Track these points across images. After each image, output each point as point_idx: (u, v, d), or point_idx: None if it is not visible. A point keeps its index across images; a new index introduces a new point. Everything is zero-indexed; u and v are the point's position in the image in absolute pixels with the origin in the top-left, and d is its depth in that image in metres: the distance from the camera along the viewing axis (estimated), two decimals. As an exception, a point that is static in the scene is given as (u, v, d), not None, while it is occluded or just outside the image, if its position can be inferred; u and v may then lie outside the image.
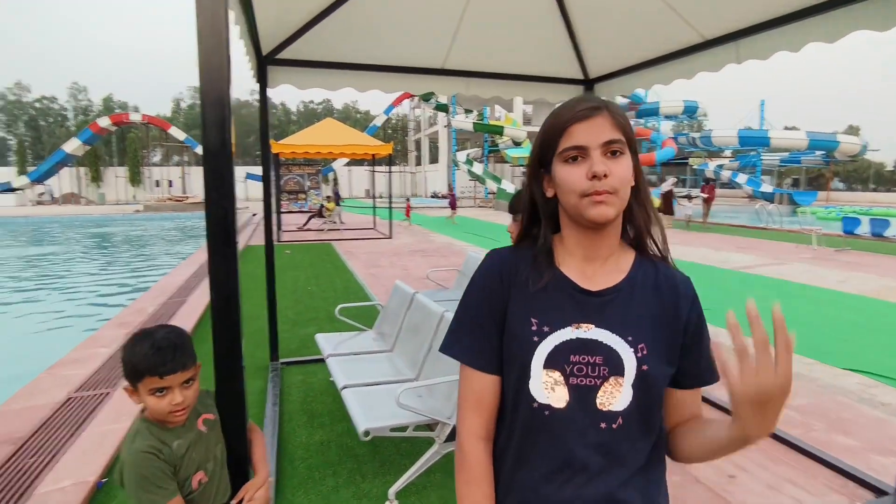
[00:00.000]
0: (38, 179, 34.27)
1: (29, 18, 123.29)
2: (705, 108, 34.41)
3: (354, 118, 75.44)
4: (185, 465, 1.21)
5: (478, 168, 29.26)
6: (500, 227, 18.37)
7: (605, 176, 0.82)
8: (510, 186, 27.83)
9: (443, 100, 32.58)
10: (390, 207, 15.15)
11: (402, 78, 3.92)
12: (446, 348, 0.95)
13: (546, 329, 0.87)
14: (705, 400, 3.84)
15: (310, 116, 71.19)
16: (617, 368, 0.86)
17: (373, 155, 14.45)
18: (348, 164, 34.91)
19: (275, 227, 13.54)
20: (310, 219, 16.20)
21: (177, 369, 1.18)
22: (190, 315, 5.66)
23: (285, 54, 3.55)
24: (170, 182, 43.93)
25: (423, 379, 2.87)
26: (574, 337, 0.87)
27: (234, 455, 1.34)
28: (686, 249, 11.49)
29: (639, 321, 0.88)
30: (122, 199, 40.95)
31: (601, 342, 0.86)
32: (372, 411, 2.50)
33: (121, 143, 46.14)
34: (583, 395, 0.85)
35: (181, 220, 24.88)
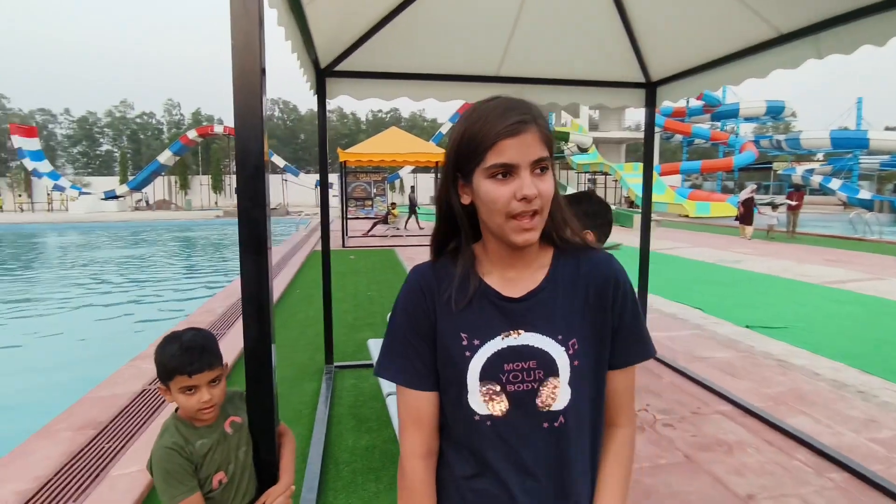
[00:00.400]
0: (137, 187, 37.47)
1: (133, 43, 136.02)
2: (793, 108, 31.88)
3: (421, 126, 76.75)
4: (206, 463, 1.26)
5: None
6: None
7: (535, 197, 0.81)
8: (576, 193, 27.12)
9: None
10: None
11: (457, 86, 3.94)
12: (380, 371, 0.95)
13: (476, 342, 0.88)
14: (724, 398, 3.53)
15: (378, 125, 73.07)
16: (551, 369, 0.87)
17: (436, 162, 14.63)
18: (414, 171, 35.52)
19: (341, 233, 14.11)
20: (374, 225, 16.61)
21: (203, 368, 1.24)
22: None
23: (342, 66, 3.66)
24: (249, 189, 46.57)
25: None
26: (505, 346, 0.87)
27: (262, 458, 1.37)
28: (764, 261, 10.70)
29: (566, 318, 0.89)
30: (205, 205, 43.91)
31: (532, 346, 0.87)
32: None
33: (206, 153, 49.53)
34: (522, 400, 0.87)
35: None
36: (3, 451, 2.98)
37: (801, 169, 30.72)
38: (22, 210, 40.98)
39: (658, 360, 4.37)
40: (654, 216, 21.69)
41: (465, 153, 0.85)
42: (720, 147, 33.67)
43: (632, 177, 22.12)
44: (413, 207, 18.45)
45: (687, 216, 22.54)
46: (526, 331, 0.88)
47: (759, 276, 9.02)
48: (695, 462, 2.82)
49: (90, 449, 3.01)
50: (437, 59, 3.73)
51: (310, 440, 3.16)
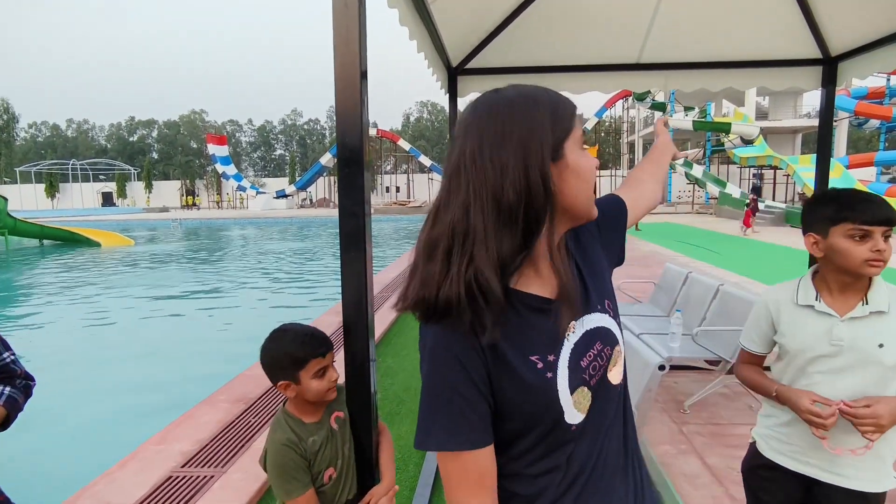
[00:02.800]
0: (302, 187, 42.03)
1: (301, 58, 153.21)
2: None
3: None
4: (318, 460, 1.29)
5: (697, 170, 26.31)
6: (720, 236, 16.21)
7: None
8: (736, 190, 24.33)
9: (660, 98, 30.13)
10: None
11: (593, 77, 3.70)
12: (421, 444, 0.78)
13: (552, 359, 0.79)
14: None
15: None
16: (613, 339, 0.86)
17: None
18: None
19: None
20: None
21: (330, 348, 1.33)
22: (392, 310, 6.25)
23: (473, 64, 3.64)
24: (397, 188, 49.64)
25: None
26: (572, 345, 0.81)
27: (362, 455, 1.38)
28: None
29: (592, 285, 0.88)
30: (359, 204, 47.74)
31: (590, 329, 0.84)
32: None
33: (360, 155, 53.84)
34: (600, 386, 0.84)
35: (403, 221, 27.92)
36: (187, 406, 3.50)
37: None
38: (198, 207, 48.81)
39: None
40: (837, 217, 18.56)
41: (558, 125, 0.76)
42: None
43: (807, 171, 19.14)
44: None
45: (883, 217, 18.83)
46: (576, 317, 0.84)
47: None
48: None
49: (241, 421, 3.40)
50: (570, 50, 3.54)
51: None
